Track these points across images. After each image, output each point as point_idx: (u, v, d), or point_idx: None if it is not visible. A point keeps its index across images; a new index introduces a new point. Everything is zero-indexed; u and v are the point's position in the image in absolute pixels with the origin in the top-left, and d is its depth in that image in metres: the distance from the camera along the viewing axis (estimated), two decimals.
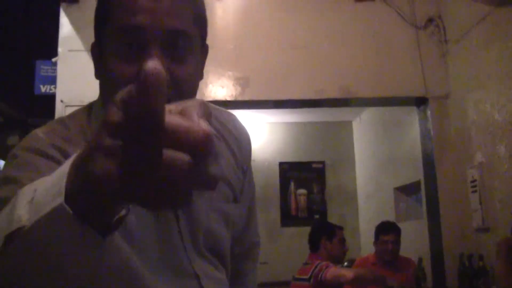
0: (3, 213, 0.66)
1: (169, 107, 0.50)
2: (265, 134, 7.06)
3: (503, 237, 3.32)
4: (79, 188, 0.54)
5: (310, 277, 3.80)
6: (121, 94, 0.49)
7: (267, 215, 6.73)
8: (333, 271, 3.72)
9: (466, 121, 4.12)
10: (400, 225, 4.58)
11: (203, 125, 0.49)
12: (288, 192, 7.06)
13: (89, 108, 1.09)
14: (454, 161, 4.29)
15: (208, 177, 0.50)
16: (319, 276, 3.73)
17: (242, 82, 4.38)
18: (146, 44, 0.92)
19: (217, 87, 4.34)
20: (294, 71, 4.41)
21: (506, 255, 3.07)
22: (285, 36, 4.49)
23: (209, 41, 1.10)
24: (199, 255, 1.09)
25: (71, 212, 0.55)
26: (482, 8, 3.80)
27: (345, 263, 4.51)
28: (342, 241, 4.20)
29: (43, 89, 4.61)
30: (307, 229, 4.39)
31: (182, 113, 0.50)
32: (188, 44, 0.97)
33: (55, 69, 4.39)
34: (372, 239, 4.52)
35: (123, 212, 0.60)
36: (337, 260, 4.07)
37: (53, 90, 4.45)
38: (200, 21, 1.02)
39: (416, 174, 4.94)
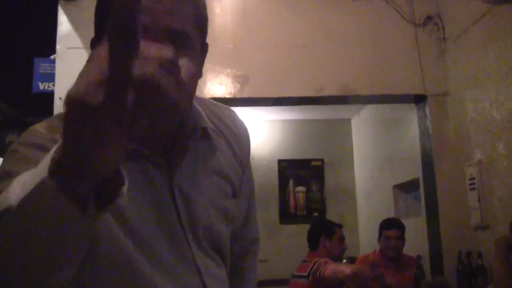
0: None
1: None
2: (264, 131, 7.05)
3: (501, 235, 3.33)
4: (66, 154, 0.55)
5: (308, 274, 3.81)
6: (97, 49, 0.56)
7: (266, 213, 6.72)
8: (331, 268, 3.72)
9: (465, 119, 4.12)
10: None
11: (168, 48, 0.55)
12: (287, 190, 7.05)
13: None
14: (452, 159, 4.29)
15: (183, 141, 0.55)
16: (318, 273, 3.73)
17: (241, 79, 4.37)
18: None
19: (215, 84, 4.34)
20: (293, 69, 4.41)
21: (504, 253, 3.08)
22: (284, 34, 4.48)
23: (208, 39, 1.10)
24: (201, 251, 1.10)
25: (54, 184, 0.56)
26: (480, 6, 3.80)
27: (344, 261, 4.51)
28: (341, 239, 4.20)
29: (42, 86, 4.60)
30: (306, 227, 4.40)
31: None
32: (188, 44, 0.97)
33: (54, 67, 4.38)
34: (371, 237, 4.53)
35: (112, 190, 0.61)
36: (336, 258, 4.07)
37: (51, 88, 4.44)
38: (201, 20, 1.02)
39: (415, 172, 4.94)
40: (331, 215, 6.54)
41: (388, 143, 6.01)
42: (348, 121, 7.30)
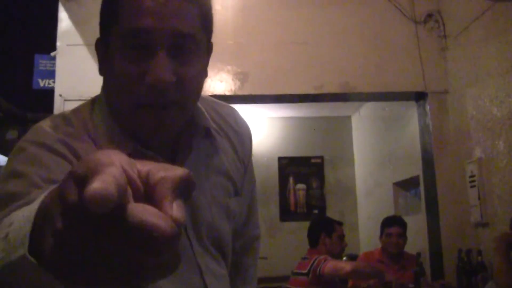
0: None
1: (147, 169, 0.46)
2: (264, 129, 7.05)
3: (501, 233, 3.33)
4: (39, 239, 0.50)
5: (308, 272, 3.81)
6: (82, 167, 0.43)
7: (266, 210, 6.73)
8: (331, 265, 3.73)
9: (465, 116, 4.12)
10: None
11: (174, 214, 0.43)
12: (287, 187, 7.06)
13: (92, 103, 1.09)
14: (453, 156, 4.30)
15: (158, 270, 0.45)
16: (317, 270, 3.73)
17: (241, 76, 4.37)
18: (153, 46, 0.93)
19: (216, 81, 4.34)
20: (293, 66, 4.41)
21: (504, 251, 3.08)
22: (284, 31, 4.48)
23: None
24: (202, 248, 1.10)
25: (34, 261, 0.51)
26: (481, 3, 3.80)
27: (344, 258, 4.51)
28: (341, 236, 4.20)
29: (42, 83, 4.60)
30: (306, 224, 4.40)
31: (157, 189, 0.45)
32: (194, 45, 0.98)
33: (54, 64, 4.38)
34: (371, 235, 4.53)
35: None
36: (336, 255, 4.07)
37: (51, 85, 4.44)
38: (206, 21, 1.02)
39: (415, 169, 4.94)
40: (331, 213, 6.54)
41: (388, 141, 6.01)
42: (348, 118, 7.30)
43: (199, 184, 1.10)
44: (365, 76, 4.42)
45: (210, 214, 1.11)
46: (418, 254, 4.29)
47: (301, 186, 7.06)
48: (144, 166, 0.47)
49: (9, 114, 6.12)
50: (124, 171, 0.44)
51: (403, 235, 4.31)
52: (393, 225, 4.33)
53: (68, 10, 4.34)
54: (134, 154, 0.97)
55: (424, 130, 4.55)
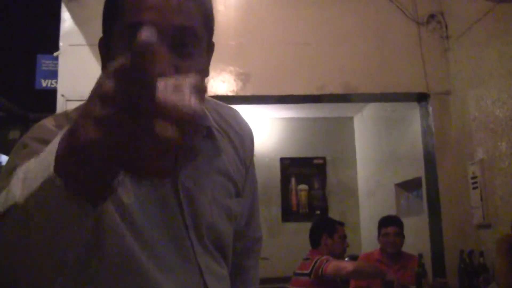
0: (2, 192, 0.68)
1: (165, 79, 0.52)
2: (266, 129, 7.05)
3: (503, 234, 3.33)
4: (69, 156, 0.55)
5: (310, 272, 3.81)
6: (115, 64, 0.50)
7: (268, 211, 6.73)
8: (333, 265, 3.73)
9: (467, 117, 4.12)
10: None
11: (192, 102, 0.51)
12: (289, 188, 7.05)
13: None
14: (455, 158, 4.29)
15: (191, 149, 0.52)
16: (320, 270, 3.74)
17: (243, 77, 4.37)
18: None
19: (218, 82, 4.34)
20: (295, 67, 4.41)
21: (506, 252, 3.08)
22: (286, 32, 4.48)
23: None
24: (203, 249, 1.10)
25: (60, 183, 0.56)
26: (483, 4, 3.79)
27: (346, 259, 4.51)
28: (343, 237, 4.20)
29: (44, 83, 4.60)
30: (308, 225, 4.40)
31: (176, 87, 0.51)
32: (195, 41, 0.98)
33: (56, 64, 4.38)
34: (373, 235, 4.53)
35: (115, 182, 0.61)
36: (338, 256, 4.07)
37: (54, 85, 4.44)
38: (208, 19, 1.02)
39: (417, 170, 4.94)
40: (333, 213, 6.54)
41: (391, 142, 6.00)
42: (350, 119, 7.30)
43: (200, 184, 1.10)
44: (367, 77, 4.42)
45: (211, 214, 1.11)
46: (420, 255, 4.28)
47: (303, 186, 7.06)
48: (160, 81, 0.52)
49: (11, 114, 6.13)
50: None
51: (400, 234, 4.32)
52: (389, 224, 4.35)
53: (70, 11, 4.35)
54: None
55: (426, 131, 4.55)
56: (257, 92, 4.41)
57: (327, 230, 4.12)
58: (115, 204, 0.97)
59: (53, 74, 4.46)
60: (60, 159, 0.56)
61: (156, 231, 1.03)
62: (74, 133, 0.53)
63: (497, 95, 3.71)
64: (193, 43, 0.97)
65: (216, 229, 1.13)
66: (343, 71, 4.42)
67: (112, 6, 0.99)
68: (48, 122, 1.02)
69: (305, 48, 4.43)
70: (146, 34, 0.49)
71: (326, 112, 6.86)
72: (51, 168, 0.57)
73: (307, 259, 4.01)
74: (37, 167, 0.61)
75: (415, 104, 4.71)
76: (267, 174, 6.80)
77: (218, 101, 1.25)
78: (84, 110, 0.52)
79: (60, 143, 0.57)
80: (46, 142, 0.94)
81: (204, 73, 1.05)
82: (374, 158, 6.57)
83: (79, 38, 4.26)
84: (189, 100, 0.51)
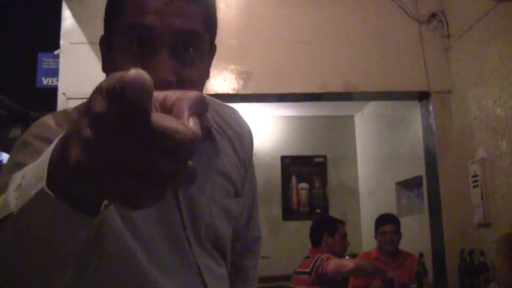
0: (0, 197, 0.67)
1: (164, 94, 0.50)
2: (267, 128, 7.05)
3: (504, 233, 3.33)
4: (58, 170, 0.53)
5: (311, 271, 3.81)
6: (108, 82, 0.46)
7: (269, 209, 6.73)
8: (334, 263, 3.73)
9: (468, 116, 4.11)
10: (402, 220, 4.58)
11: (191, 126, 0.47)
12: (289, 186, 7.06)
13: None
14: (456, 156, 4.29)
15: (186, 176, 0.49)
16: (320, 269, 3.74)
17: (244, 75, 4.37)
18: (155, 44, 0.93)
19: (219, 80, 4.34)
20: (296, 65, 4.41)
21: (506, 251, 3.08)
22: (288, 31, 4.48)
23: None
24: (202, 249, 1.10)
25: (52, 195, 0.55)
26: (485, 3, 3.79)
27: (347, 258, 4.51)
28: (344, 236, 4.20)
29: (45, 81, 4.61)
30: (309, 223, 4.40)
31: (174, 108, 0.49)
32: (196, 45, 0.97)
33: (57, 62, 4.38)
34: (374, 234, 4.55)
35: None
36: (339, 255, 4.07)
37: (55, 83, 4.45)
38: (210, 21, 1.02)
39: (418, 169, 4.94)
40: (333, 212, 6.54)
41: (391, 140, 6.00)
42: (351, 117, 7.30)
43: (199, 184, 1.10)
44: (368, 76, 4.42)
45: (209, 214, 1.11)
46: (421, 254, 4.29)
47: (303, 185, 7.06)
48: (160, 93, 0.50)
49: (12, 112, 6.14)
50: None
51: (397, 232, 4.36)
52: (386, 222, 4.39)
53: (71, 9, 4.35)
54: None
55: (427, 130, 4.54)
56: (258, 91, 4.41)
57: (328, 229, 4.12)
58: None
59: (54, 73, 4.46)
60: (52, 172, 0.55)
61: (155, 232, 1.03)
62: (64, 149, 0.51)
63: (498, 94, 3.71)
64: (194, 47, 0.96)
65: (215, 230, 1.13)
66: (344, 70, 4.42)
67: (114, 5, 0.99)
68: (48, 120, 1.02)
69: (306, 47, 4.43)
70: (136, 71, 0.44)
71: (326, 111, 6.86)
72: (44, 180, 0.55)
73: (307, 257, 4.01)
74: (32, 176, 0.60)
75: (416, 102, 4.71)
76: (268, 173, 6.81)
77: (217, 100, 1.25)
78: (73, 127, 0.49)
79: (52, 154, 0.55)
80: (46, 140, 0.94)
81: (205, 76, 1.04)
82: (374, 156, 6.57)
83: (80, 36, 4.26)
84: (186, 126, 0.47)
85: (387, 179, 6.03)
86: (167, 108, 0.50)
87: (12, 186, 0.64)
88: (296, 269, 4.07)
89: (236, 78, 4.37)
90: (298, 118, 7.13)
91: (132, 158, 0.46)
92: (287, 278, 4.45)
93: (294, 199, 7.03)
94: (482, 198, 3.86)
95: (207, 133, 1.13)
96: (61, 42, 4.33)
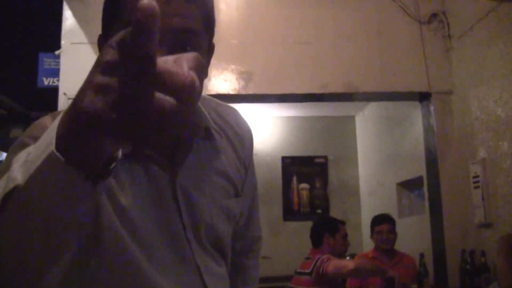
0: (1, 180, 0.68)
1: (165, 57, 0.53)
2: (268, 128, 7.05)
3: (505, 233, 3.33)
4: (70, 128, 0.56)
5: (311, 271, 3.81)
6: (117, 36, 0.52)
7: (270, 210, 6.73)
8: (334, 263, 3.73)
9: (469, 116, 4.11)
10: (403, 220, 4.60)
11: (191, 73, 0.52)
12: (290, 187, 7.05)
13: None
14: (456, 157, 4.29)
15: (189, 122, 0.53)
16: (321, 269, 3.73)
17: (245, 76, 4.37)
18: None
19: (220, 80, 4.34)
20: (297, 66, 4.41)
21: (507, 252, 3.08)
22: (288, 31, 4.48)
23: None
24: (201, 249, 1.10)
25: (62, 158, 0.56)
26: (486, 4, 3.79)
27: (347, 258, 4.52)
28: (344, 236, 4.20)
29: (46, 81, 4.61)
30: (309, 224, 4.40)
31: (175, 62, 0.53)
32: (195, 45, 0.96)
33: (58, 62, 4.39)
34: (370, 234, 4.58)
35: (115, 156, 0.62)
36: (340, 255, 4.07)
37: (56, 83, 4.45)
38: (209, 21, 1.02)
39: (418, 169, 4.93)
40: (334, 212, 6.54)
41: (392, 141, 6.00)
42: (352, 118, 7.30)
43: (198, 184, 1.10)
44: (369, 76, 4.41)
45: (209, 215, 1.11)
46: (422, 255, 4.29)
47: (304, 185, 7.06)
48: (160, 58, 0.53)
49: (13, 112, 6.14)
50: None
51: (393, 231, 4.41)
52: (382, 222, 4.44)
53: (72, 9, 4.35)
54: (134, 154, 0.98)
55: (428, 131, 4.54)
56: (259, 91, 4.41)
57: (329, 230, 4.12)
58: (113, 205, 0.97)
59: (55, 73, 4.47)
60: (61, 133, 0.57)
61: (154, 232, 1.03)
62: (76, 103, 0.54)
63: (499, 94, 3.71)
64: (193, 45, 0.96)
65: (215, 230, 1.13)
66: (345, 70, 4.42)
67: (112, 5, 0.99)
68: (46, 121, 1.02)
69: (307, 47, 4.43)
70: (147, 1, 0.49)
71: (327, 111, 6.85)
72: (52, 145, 0.58)
73: (308, 258, 4.01)
74: (38, 149, 0.61)
75: (417, 103, 4.71)
76: (269, 173, 6.80)
77: (217, 100, 1.24)
78: (86, 80, 0.53)
79: (61, 119, 0.58)
80: None
81: (204, 75, 1.04)
82: (375, 157, 6.57)
83: (81, 37, 4.26)
84: (187, 72, 0.52)
85: (388, 179, 6.03)
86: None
87: (17, 164, 0.66)
88: (296, 269, 4.07)
89: (236, 78, 4.37)
90: (299, 119, 7.13)
91: (141, 96, 0.50)
92: (287, 278, 4.44)
93: (295, 199, 7.03)
94: (483, 198, 3.86)
95: (207, 133, 1.12)
96: (62, 42, 4.33)
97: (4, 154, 5.74)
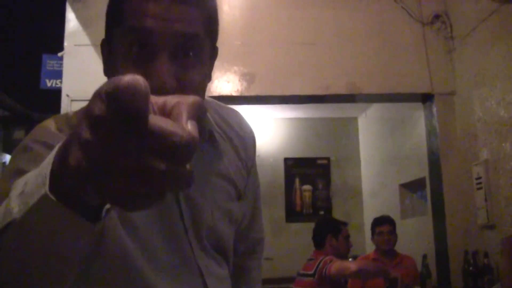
0: (1, 207, 0.68)
1: (164, 99, 0.50)
2: (271, 129, 7.05)
3: (508, 234, 3.32)
4: (60, 175, 0.54)
5: (314, 273, 3.81)
6: (107, 86, 0.46)
7: (272, 211, 6.73)
8: (337, 265, 3.73)
9: (471, 118, 4.11)
10: (405, 221, 4.59)
11: (188, 129, 0.48)
12: (293, 188, 7.05)
13: None
14: (459, 158, 4.29)
15: (183, 179, 0.49)
16: (323, 271, 3.73)
17: (248, 77, 4.38)
18: (155, 48, 0.92)
19: (223, 82, 4.35)
20: (300, 67, 4.41)
21: (510, 253, 3.07)
22: (291, 32, 4.48)
23: None
24: (203, 251, 1.10)
25: (55, 199, 0.55)
26: (488, 5, 3.79)
27: (350, 259, 4.52)
28: (347, 237, 4.20)
29: (49, 83, 4.62)
30: (312, 225, 4.40)
31: (172, 112, 0.49)
32: (197, 49, 0.96)
33: (61, 64, 4.40)
34: (370, 236, 4.60)
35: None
36: (342, 256, 4.07)
37: (59, 85, 4.46)
38: (211, 24, 1.01)
39: (421, 170, 4.93)
40: (337, 214, 6.54)
41: (395, 142, 6.00)
42: (354, 119, 7.30)
43: (200, 187, 1.10)
44: (372, 77, 4.41)
45: (211, 217, 1.11)
46: (424, 256, 4.29)
47: (307, 187, 7.06)
48: (160, 98, 0.51)
49: (16, 113, 6.15)
50: None
51: (393, 233, 4.45)
52: (383, 223, 4.48)
53: (75, 11, 4.36)
54: None
55: (430, 132, 4.54)
56: (261, 92, 4.41)
57: (331, 231, 4.12)
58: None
59: (58, 74, 4.48)
60: (54, 177, 0.56)
61: (156, 234, 1.03)
62: (62, 154, 0.52)
63: (501, 95, 3.71)
64: (195, 51, 0.96)
65: (217, 233, 1.13)
66: (347, 72, 4.42)
67: (115, 9, 0.98)
68: (48, 124, 1.02)
69: (309, 49, 4.43)
70: (132, 77, 0.45)
71: (330, 113, 6.85)
72: (47, 185, 0.56)
73: (311, 259, 4.01)
74: (34, 182, 0.60)
75: (419, 104, 4.71)
76: (271, 175, 6.80)
77: (219, 102, 1.24)
78: (74, 132, 0.50)
79: (54, 159, 0.56)
80: (47, 145, 0.94)
81: (207, 79, 1.04)
82: (378, 158, 6.57)
83: (84, 38, 4.27)
84: (183, 129, 0.47)
85: (391, 180, 6.03)
86: (166, 113, 0.50)
87: (14, 193, 0.64)
88: (299, 271, 4.07)
89: (239, 80, 4.37)
90: (302, 120, 7.13)
91: (130, 159, 0.46)
92: (290, 280, 4.44)
93: (298, 200, 7.03)
94: (485, 199, 3.85)
95: (209, 135, 1.12)
96: (65, 44, 4.34)
97: (7, 156, 5.75)
